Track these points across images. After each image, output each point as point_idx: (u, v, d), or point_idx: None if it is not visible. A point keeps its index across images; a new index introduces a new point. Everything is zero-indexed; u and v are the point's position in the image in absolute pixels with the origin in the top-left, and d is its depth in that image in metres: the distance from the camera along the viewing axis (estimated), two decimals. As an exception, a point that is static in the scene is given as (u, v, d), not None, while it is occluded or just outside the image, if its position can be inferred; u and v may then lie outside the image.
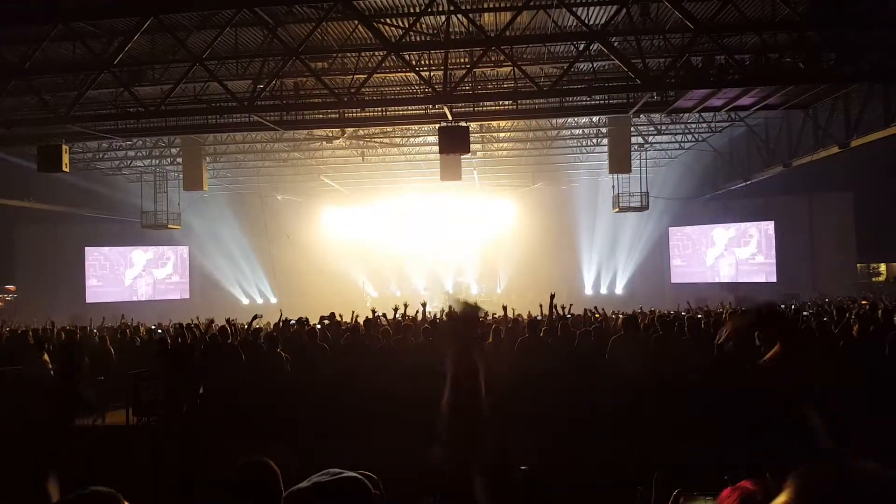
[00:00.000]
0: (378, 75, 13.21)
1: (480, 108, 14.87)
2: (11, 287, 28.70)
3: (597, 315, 10.93)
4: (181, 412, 7.20)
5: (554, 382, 6.39)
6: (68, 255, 27.31)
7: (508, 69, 13.60)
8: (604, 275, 27.23)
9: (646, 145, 20.53)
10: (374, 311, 9.92)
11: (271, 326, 11.41)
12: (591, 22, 11.58)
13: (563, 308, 10.00)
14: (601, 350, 7.06)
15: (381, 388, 6.50)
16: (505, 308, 9.65)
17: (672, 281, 26.97)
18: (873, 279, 24.96)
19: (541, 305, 8.76)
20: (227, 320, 9.57)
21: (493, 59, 12.93)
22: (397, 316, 9.77)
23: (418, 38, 11.88)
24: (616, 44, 11.76)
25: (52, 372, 8.32)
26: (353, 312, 11.16)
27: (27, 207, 21.39)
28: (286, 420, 6.46)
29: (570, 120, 18.85)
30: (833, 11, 10.37)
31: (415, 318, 10.07)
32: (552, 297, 8.50)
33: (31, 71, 11.65)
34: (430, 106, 13.30)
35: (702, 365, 6.46)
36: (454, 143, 12.83)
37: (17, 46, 11.50)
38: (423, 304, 10.62)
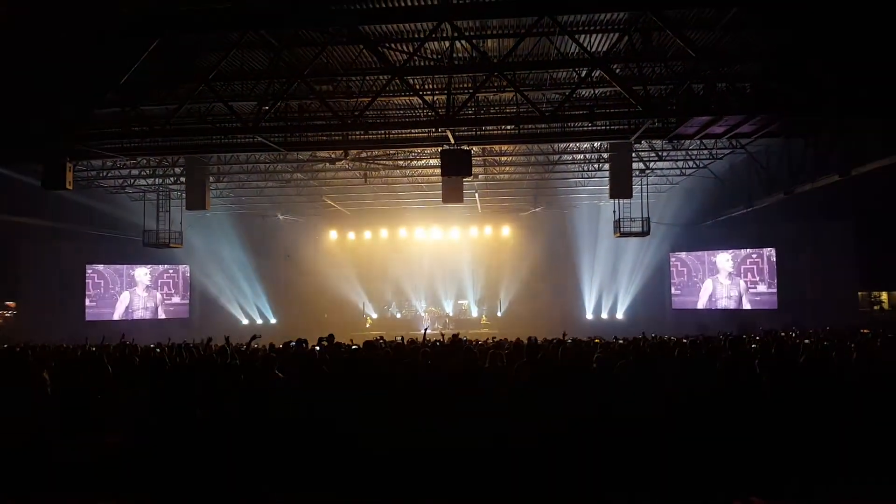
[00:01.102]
0: (382, 99, 13.34)
1: (483, 132, 14.97)
2: (12, 304, 28.64)
3: (597, 340, 10.88)
4: (178, 432, 7.12)
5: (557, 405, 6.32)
6: (69, 272, 27.29)
7: (511, 94, 13.73)
8: (605, 300, 27.16)
9: (647, 171, 20.60)
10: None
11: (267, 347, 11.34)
12: (594, 49, 11.71)
13: (564, 335, 10.01)
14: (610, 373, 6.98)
15: (383, 412, 6.44)
16: (506, 339, 9.69)
17: (673, 307, 26.88)
18: (875, 308, 24.84)
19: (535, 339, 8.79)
20: (227, 339, 9.52)
21: (495, 84, 13.06)
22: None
23: (422, 63, 12.01)
24: (618, 70, 11.88)
25: (49, 390, 8.24)
26: (352, 340, 11.08)
27: (30, 224, 21.44)
28: (283, 443, 6.39)
29: (571, 145, 18.96)
30: (834, 42, 10.49)
31: (413, 340, 10.04)
32: (564, 335, 8.57)
33: (37, 89, 11.78)
34: (433, 129, 13.39)
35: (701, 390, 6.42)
36: (456, 166, 12.91)
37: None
38: (425, 330, 10.59)
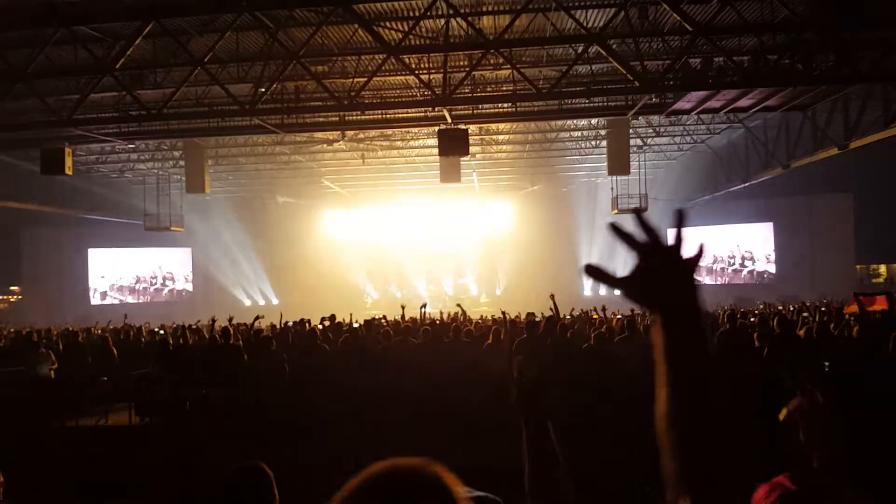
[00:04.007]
0: (378, 78, 13.30)
1: (479, 111, 14.95)
2: (16, 288, 28.84)
3: (595, 316, 10.99)
4: (183, 412, 7.28)
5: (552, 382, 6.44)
6: (72, 256, 27.46)
7: (507, 72, 13.69)
8: (603, 276, 27.25)
9: (644, 147, 20.59)
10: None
11: (270, 327, 11.49)
12: (590, 24, 11.66)
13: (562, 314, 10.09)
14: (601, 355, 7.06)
15: (381, 388, 6.57)
16: (504, 313, 9.79)
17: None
18: (873, 280, 24.97)
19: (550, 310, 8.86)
20: (229, 320, 9.67)
21: (491, 61, 13.01)
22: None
23: (418, 42, 11.97)
24: (614, 46, 11.83)
25: (54, 372, 8.41)
26: (351, 315, 11.25)
27: (31, 210, 21.51)
28: (285, 421, 6.53)
29: (568, 122, 18.93)
30: (830, 12, 10.43)
31: (415, 319, 10.17)
32: (552, 297, 8.59)
33: (34, 75, 11.76)
34: (430, 109, 13.38)
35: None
36: (454, 145, 12.94)
37: (21, 50, 11.61)
38: (423, 306, 10.70)
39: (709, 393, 0.92)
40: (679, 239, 0.98)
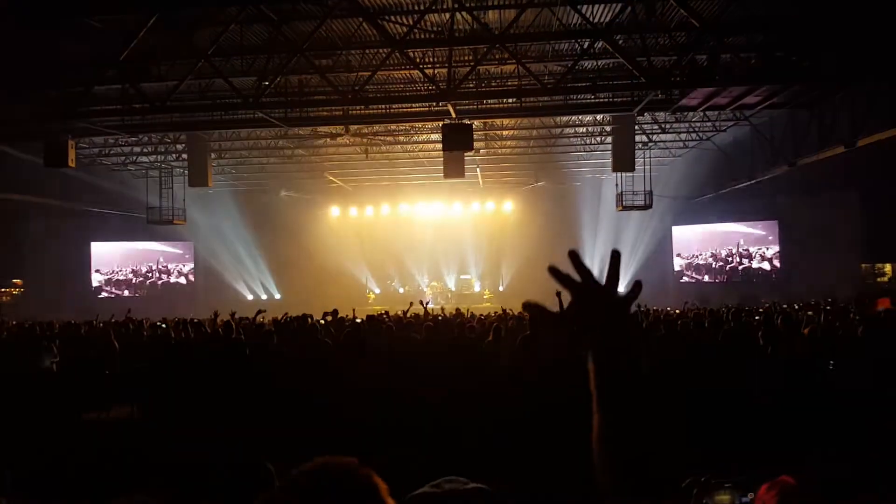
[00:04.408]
0: (382, 73, 13.25)
1: (484, 106, 14.87)
2: (18, 281, 28.89)
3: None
4: (184, 407, 7.25)
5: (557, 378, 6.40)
6: (75, 249, 27.48)
7: (512, 67, 13.62)
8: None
9: (650, 144, 20.48)
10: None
11: (272, 321, 11.46)
12: (596, 20, 11.58)
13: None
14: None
15: (382, 385, 6.54)
16: (505, 311, 9.77)
17: (676, 280, 26.94)
18: (878, 279, 24.85)
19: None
20: (232, 315, 9.65)
21: (497, 56, 12.94)
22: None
23: (422, 36, 11.90)
24: (621, 42, 11.76)
25: (55, 365, 8.39)
26: (354, 311, 11.21)
27: (34, 203, 21.50)
28: (287, 417, 6.50)
29: (573, 118, 18.84)
30: (838, 10, 10.35)
31: (417, 315, 10.14)
32: (558, 295, 8.57)
33: (37, 67, 11.73)
34: (434, 103, 13.32)
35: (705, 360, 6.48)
36: (457, 140, 12.89)
37: (24, 43, 11.57)
38: (425, 303, 10.68)
39: (636, 421, 1.01)
40: (612, 279, 1.10)
